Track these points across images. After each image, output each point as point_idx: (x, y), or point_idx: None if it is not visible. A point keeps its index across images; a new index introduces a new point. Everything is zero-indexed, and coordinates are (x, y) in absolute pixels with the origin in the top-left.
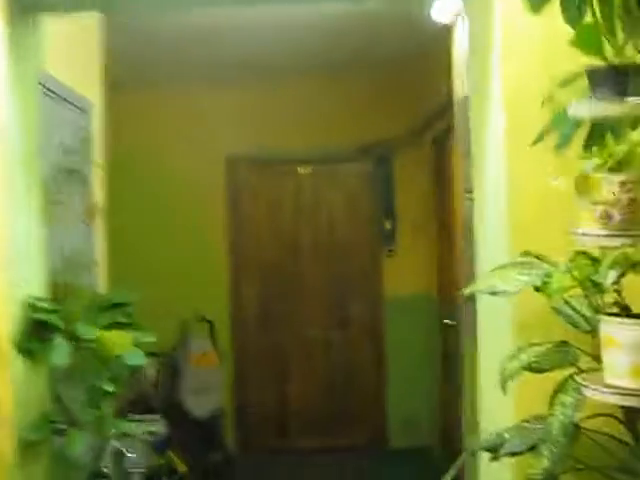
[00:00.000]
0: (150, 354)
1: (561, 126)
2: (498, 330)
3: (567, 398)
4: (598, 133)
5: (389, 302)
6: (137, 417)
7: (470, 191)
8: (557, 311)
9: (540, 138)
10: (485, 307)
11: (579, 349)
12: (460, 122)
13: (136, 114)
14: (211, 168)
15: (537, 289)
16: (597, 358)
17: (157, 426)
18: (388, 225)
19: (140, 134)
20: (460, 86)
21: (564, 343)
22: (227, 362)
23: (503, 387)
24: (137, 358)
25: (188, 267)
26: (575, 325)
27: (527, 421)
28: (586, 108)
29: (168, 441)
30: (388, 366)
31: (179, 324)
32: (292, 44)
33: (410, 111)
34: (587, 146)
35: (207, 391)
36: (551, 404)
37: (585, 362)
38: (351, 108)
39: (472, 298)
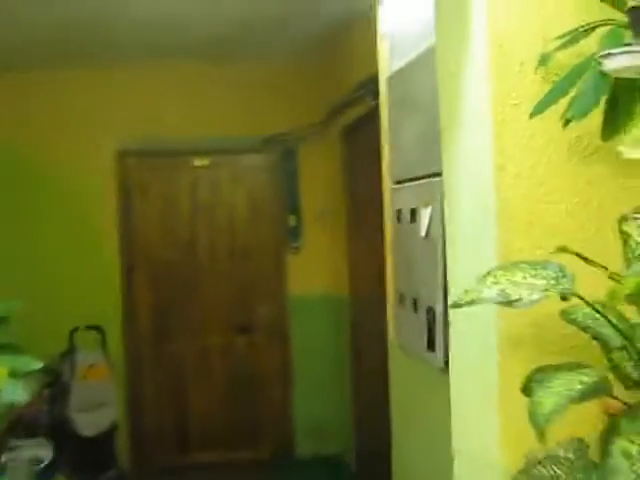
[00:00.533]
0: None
1: (575, 91)
2: (474, 344)
3: (632, 447)
4: (626, 98)
5: (295, 303)
6: (20, 443)
7: (399, 181)
8: (578, 323)
9: (542, 108)
10: (459, 317)
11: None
12: (390, 103)
13: (7, 103)
14: (99, 162)
15: (563, 298)
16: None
17: (43, 450)
18: (293, 221)
19: (12, 126)
20: (388, 63)
21: (587, 365)
22: (120, 374)
23: (540, 433)
24: (16, 393)
25: (75, 271)
26: (603, 339)
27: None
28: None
29: (55, 465)
30: (294, 372)
31: (66, 334)
32: (186, 26)
33: (317, 100)
34: (612, 119)
35: (97, 407)
36: (604, 450)
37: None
38: (254, 96)
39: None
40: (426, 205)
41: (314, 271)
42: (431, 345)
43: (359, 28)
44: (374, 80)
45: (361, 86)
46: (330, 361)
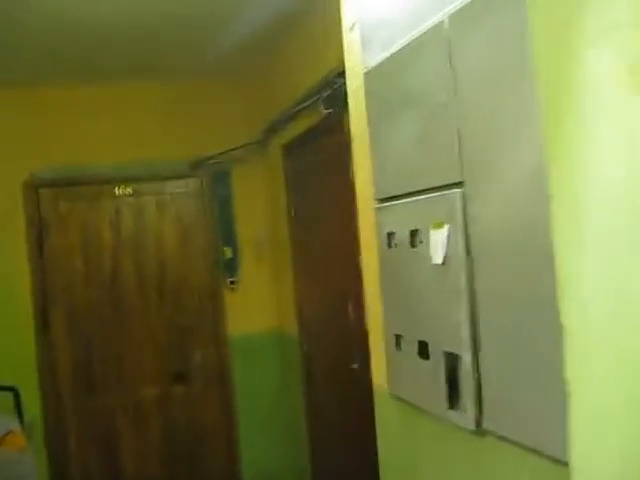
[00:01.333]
0: None
1: None
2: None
3: None
4: None
5: (236, 344)
6: None
7: (387, 198)
8: None
9: None
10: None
11: None
12: (370, 103)
13: None
14: (4, 194)
15: None
16: None
17: None
18: (229, 253)
19: None
20: (360, 56)
21: None
22: (40, 440)
23: None
24: None
25: None
26: None
27: None
28: None
29: None
30: (240, 422)
31: None
32: (97, 38)
33: (251, 116)
34: None
35: None
36: None
37: None
38: (180, 116)
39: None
40: (438, 225)
41: (255, 308)
42: (454, 401)
43: (297, 31)
44: (327, 85)
45: (310, 94)
46: (280, 407)
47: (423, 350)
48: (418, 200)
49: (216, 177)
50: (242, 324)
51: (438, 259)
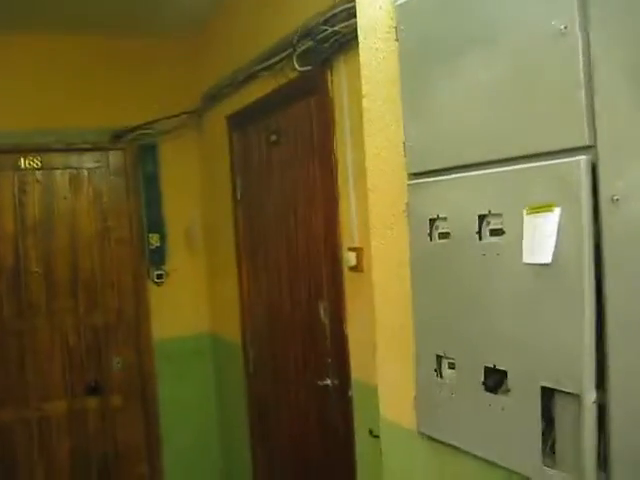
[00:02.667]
0: None
1: None
2: None
3: None
4: None
5: (161, 349)
6: None
7: (420, 173)
8: None
9: None
10: None
11: None
12: (408, 46)
13: None
14: None
15: None
16: None
17: None
18: (155, 240)
19: None
20: None
21: None
22: None
23: None
24: None
25: None
26: None
27: None
28: None
29: None
30: (163, 443)
31: None
32: None
33: (190, 81)
34: None
35: None
36: None
37: None
38: (101, 76)
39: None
40: (540, 208)
41: (186, 306)
42: (554, 455)
43: None
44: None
45: (273, 51)
46: (215, 429)
47: (494, 381)
48: (495, 173)
49: (142, 151)
50: (170, 326)
51: (541, 256)
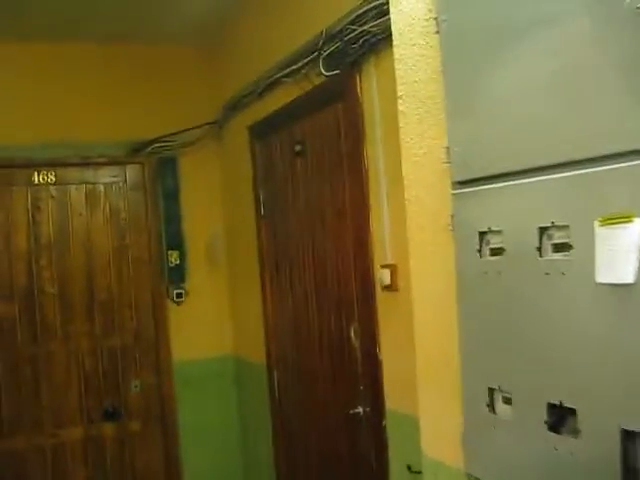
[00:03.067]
0: None
1: None
2: None
3: None
4: None
5: (181, 371)
6: None
7: (467, 182)
8: None
9: None
10: None
11: None
12: (450, 41)
13: None
14: None
15: None
16: None
17: None
18: (175, 258)
19: None
20: None
21: None
22: None
23: None
24: None
25: None
26: None
27: None
28: None
29: None
30: (184, 465)
31: None
32: None
33: (210, 92)
34: None
35: None
36: None
37: None
38: (120, 87)
39: None
40: (617, 219)
41: (207, 327)
42: None
43: None
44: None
45: (295, 58)
46: (239, 457)
47: (560, 420)
48: (560, 179)
49: (161, 164)
50: (190, 347)
51: (620, 275)
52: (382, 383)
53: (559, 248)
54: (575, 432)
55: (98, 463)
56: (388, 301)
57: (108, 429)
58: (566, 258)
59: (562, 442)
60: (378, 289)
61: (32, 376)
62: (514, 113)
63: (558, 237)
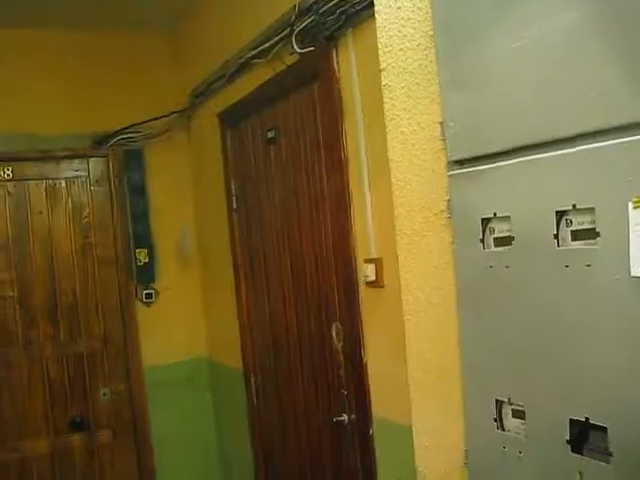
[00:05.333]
0: None
1: None
2: None
3: None
4: None
5: (154, 377)
6: None
7: (465, 160)
8: None
9: None
10: None
11: None
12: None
13: None
14: None
15: None
16: None
17: None
18: (143, 256)
19: None
20: None
21: None
22: None
23: None
24: None
25: None
26: None
27: None
28: None
29: None
30: (158, 477)
31: None
32: None
33: (177, 79)
34: None
35: None
36: None
37: None
38: (80, 75)
39: None
40: None
41: (179, 329)
42: None
43: None
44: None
45: (266, 35)
46: (212, 464)
47: (586, 439)
48: (583, 152)
49: (126, 157)
50: (162, 351)
51: None
52: (368, 388)
53: (582, 235)
54: (605, 454)
55: (66, 477)
56: (373, 298)
57: (76, 440)
58: (591, 247)
59: (589, 466)
60: (362, 286)
61: None
62: (524, 77)
63: (580, 223)
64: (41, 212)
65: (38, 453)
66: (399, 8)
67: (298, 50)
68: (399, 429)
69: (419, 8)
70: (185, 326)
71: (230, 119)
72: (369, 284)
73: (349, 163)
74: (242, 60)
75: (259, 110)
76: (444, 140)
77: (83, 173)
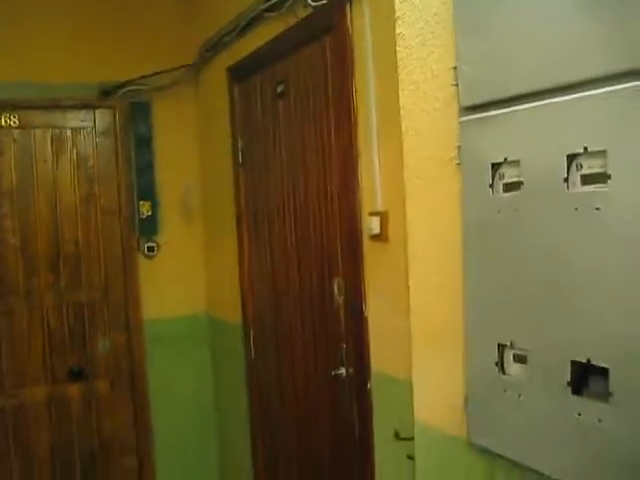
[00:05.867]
0: None
1: None
2: None
3: None
4: None
5: (153, 330)
6: None
7: (478, 106)
8: None
9: None
10: None
11: None
12: None
13: None
14: None
15: None
16: None
17: None
18: (147, 209)
19: None
20: None
21: None
22: None
23: None
24: None
25: None
26: None
27: None
28: None
29: None
30: (156, 438)
31: None
32: None
33: (186, 31)
34: None
35: None
36: None
37: None
38: (87, 24)
39: None
40: None
41: (180, 283)
42: None
43: None
44: None
45: None
46: (209, 417)
47: (587, 381)
48: (597, 95)
49: (133, 109)
50: (162, 305)
51: None
52: (368, 342)
53: (592, 179)
54: (605, 396)
55: (63, 425)
56: (376, 252)
57: (74, 390)
58: (602, 190)
59: (588, 407)
60: (365, 239)
61: None
62: (538, 22)
63: (591, 166)
64: (45, 161)
65: (35, 400)
66: None
67: (312, 3)
68: (397, 383)
69: None
70: (186, 281)
71: (239, 73)
72: (373, 237)
73: (358, 116)
74: (254, 13)
75: (269, 65)
76: (457, 86)
77: (89, 124)
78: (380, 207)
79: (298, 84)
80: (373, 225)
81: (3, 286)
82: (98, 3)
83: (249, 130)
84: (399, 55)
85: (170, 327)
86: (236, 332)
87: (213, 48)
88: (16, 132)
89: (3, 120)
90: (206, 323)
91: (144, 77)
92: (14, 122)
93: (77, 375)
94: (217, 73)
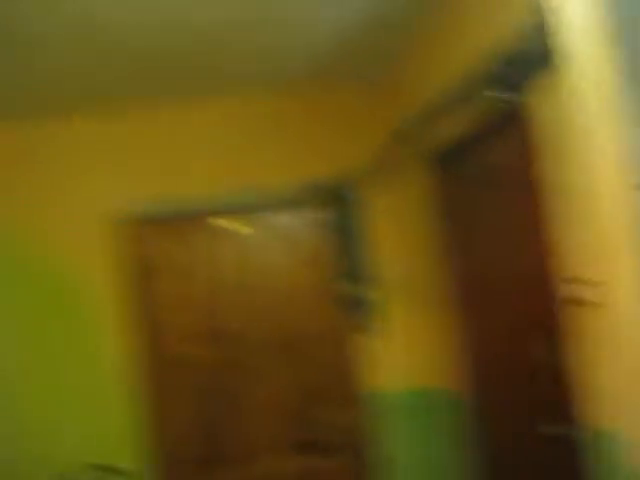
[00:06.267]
0: None
1: None
2: None
3: None
4: None
5: (380, 404)
6: None
7: None
8: None
9: None
10: None
11: None
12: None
13: None
14: (86, 234)
15: None
16: None
17: None
18: (364, 292)
19: None
20: None
21: None
22: None
23: None
24: None
25: (72, 389)
26: None
27: None
28: None
29: None
30: None
31: None
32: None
33: (375, 125)
34: None
35: None
36: None
37: None
38: (290, 131)
39: None
40: None
41: (399, 356)
42: None
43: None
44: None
45: (476, 77)
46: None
47: None
48: None
49: (334, 203)
50: (384, 379)
51: None
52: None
53: None
54: None
55: None
56: (582, 318)
57: (297, 464)
58: None
59: None
60: (572, 306)
61: (233, 410)
62: None
63: None
64: (272, 258)
65: (267, 470)
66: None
67: (499, 96)
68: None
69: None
70: (408, 357)
71: (449, 157)
72: (578, 303)
73: (556, 198)
74: (447, 105)
75: (468, 153)
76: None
77: (297, 220)
78: (583, 274)
79: (496, 173)
80: (579, 292)
81: (243, 366)
82: (287, 114)
83: (454, 215)
84: (584, 141)
85: (397, 401)
86: (452, 402)
87: (408, 137)
88: (234, 235)
89: (223, 224)
90: (433, 397)
91: (339, 172)
92: (233, 226)
93: (302, 449)
94: (414, 161)
